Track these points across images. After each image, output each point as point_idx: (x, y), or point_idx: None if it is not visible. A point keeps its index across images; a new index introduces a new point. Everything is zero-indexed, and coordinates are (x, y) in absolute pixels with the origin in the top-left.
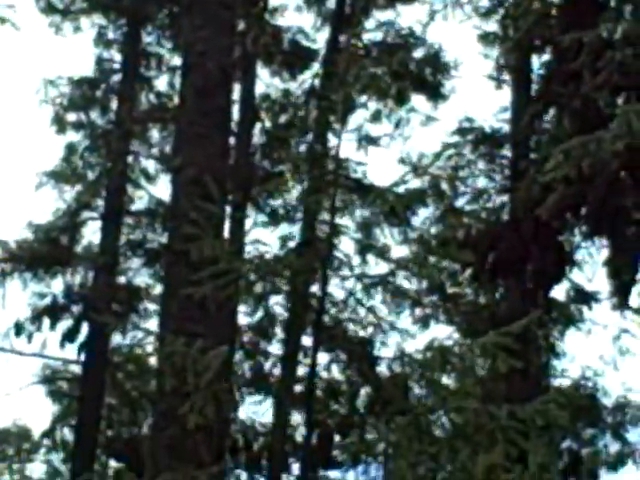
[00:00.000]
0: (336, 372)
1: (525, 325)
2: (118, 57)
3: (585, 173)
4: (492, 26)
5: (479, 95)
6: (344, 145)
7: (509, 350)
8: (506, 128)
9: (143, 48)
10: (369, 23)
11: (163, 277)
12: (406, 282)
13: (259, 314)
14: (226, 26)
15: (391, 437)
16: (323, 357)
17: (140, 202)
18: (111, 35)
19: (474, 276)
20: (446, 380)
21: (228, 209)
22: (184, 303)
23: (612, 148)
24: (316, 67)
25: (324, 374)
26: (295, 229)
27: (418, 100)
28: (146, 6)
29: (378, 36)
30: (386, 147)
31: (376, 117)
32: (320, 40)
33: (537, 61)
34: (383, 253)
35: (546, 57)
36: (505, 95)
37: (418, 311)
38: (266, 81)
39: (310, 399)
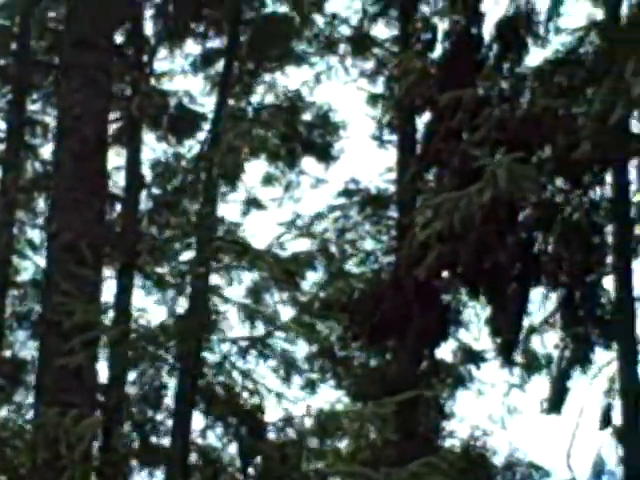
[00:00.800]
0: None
1: (404, 398)
2: (2, 125)
3: (456, 229)
4: (378, 87)
5: (367, 157)
6: (233, 210)
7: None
8: (392, 189)
9: (28, 116)
10: (257, 87)
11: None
12: (289, 346)
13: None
14: (102, 90)
15: None
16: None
17: (25, 273)
18: None
19: (355, 337)
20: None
21: (111, 276)
22: (59, 373)
23: (478, 201)
24: (204, 131)
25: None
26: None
27: (308, 162)
28: (31, 73)
29: (266, 99)
30: (275, 210)
31: (266, 181)
32: (208, 104)
33: (420, 121)
34: (272, 319)
35: (428, 116)
36: (391, 156)
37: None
38: (152, 146)
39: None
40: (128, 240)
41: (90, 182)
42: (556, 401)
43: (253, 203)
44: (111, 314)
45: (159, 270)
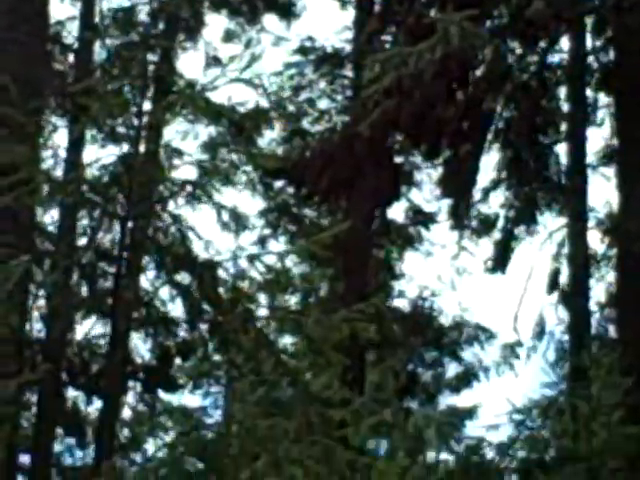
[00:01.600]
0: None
1: (334, 234)
2: None
3: (404, 85)
4: None
5: (325, 15)
6: (191, 65)
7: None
8: (348, 48)
9: None
10: None
11: None
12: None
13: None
14: None
15: (235, 359)
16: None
17: None
18: None
19: (308, 196)
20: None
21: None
22: None
23: (429, 58)
24: None
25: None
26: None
27: (269, 19)
28: None
29: None
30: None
31: (227, 37)
32: None
33: None
34: (227, 176)
35: None
36: (349, 15)
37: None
38: None
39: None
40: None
41: (30, 22)
42: (500, 260)
43: (213, 58)
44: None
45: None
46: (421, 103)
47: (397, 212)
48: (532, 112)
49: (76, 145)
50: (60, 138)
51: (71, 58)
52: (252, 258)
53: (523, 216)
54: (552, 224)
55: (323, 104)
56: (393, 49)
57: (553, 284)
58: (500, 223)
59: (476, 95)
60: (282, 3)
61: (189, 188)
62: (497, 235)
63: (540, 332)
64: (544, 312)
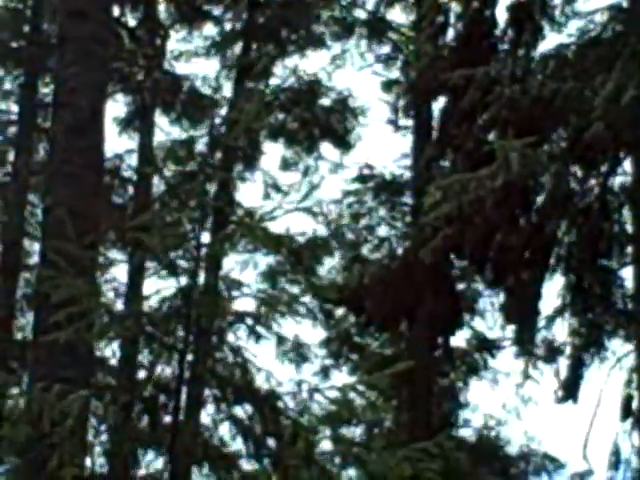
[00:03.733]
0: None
1: (404, 370)
2: (15, 108)
3: (465, 212)
4: (394, 73)
5: (382, 142)
6: (250, 194)
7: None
8: (407, 175)
9: (40, 98)
10: (276, 69)
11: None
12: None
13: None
14: (98, 62)
15: None
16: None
17: (37, 256)
18: (8, 86)
19: (368, 324)
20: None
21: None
22: (51, 348)
23: (490, 185)
24: (219, 115)
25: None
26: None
27: (325, 148)
28: (43, 56)
29: (285, 82)
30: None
31: (285, 165)
32: (224, 87)
33: (436, 106)
34: (288, 306)
35: (442, 101)
36: (407, 141)
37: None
38: (166, 129)
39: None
40: (139, 222)
41: (84, 155)
42: (570, 389)
43: (272, 187)
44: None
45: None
46: (483, 230)
47: (460, 340)
48: (594, 237)
49: (135, 278)
50: (120, 272)
51: (130, 190)
52: (313, 391)
53: (590, 343)
54: (620, 349)
55: (383, 231)
56: (453, 176)
57: (626, 411)
58: (567, 350)
59: (538, 221)
60: (338, 132)
61: (249, 320)
62: (564, 363)
63: (616, 461)
64: (618, 440)
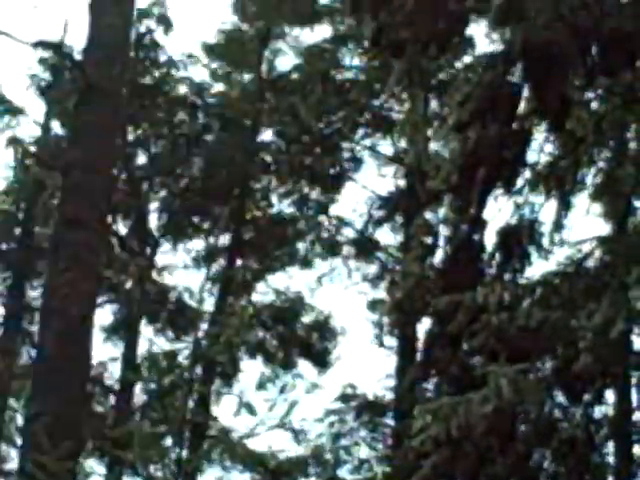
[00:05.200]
0: None
1: None
2: (1, 310)
3: (453, 436)
4: (380, 293)
5: (366, 362)
6: (226, 409)
7: None
8: (390, 396)
9: (27, 302)
10: (260, 286)
11: None
12: None
13: None
14: (91, 270)
15: None
16: None
17: (13, 462)
18: None
19: None
20: None
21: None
22: None
23: (480, 410)
24: (202, 329)
25: None
26: None
27: (303, 366)
28: (33, 259)
29: (267, 299)
30: (269, 413)
31: (261, 385)
32: (208, 300)
33: (421, 327)
34: None
35: (427, 322)
36: (391, 362)
37: None
38: (150, 338)
39: None
40: (121, 432)
41: (73, 363)
42: None
43: (245, 406)
44: None
45: (149, 466)
46: (474, 458)
47: None
48: (579, 467)
49: None
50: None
51: (112, 399)
52: None
53: None
54: None
55: (363, 452)
56: (442, 399)
57: None
58: None
59: (524, 450)
60: (318, 351)
61: None
62: None
63: None
64: None
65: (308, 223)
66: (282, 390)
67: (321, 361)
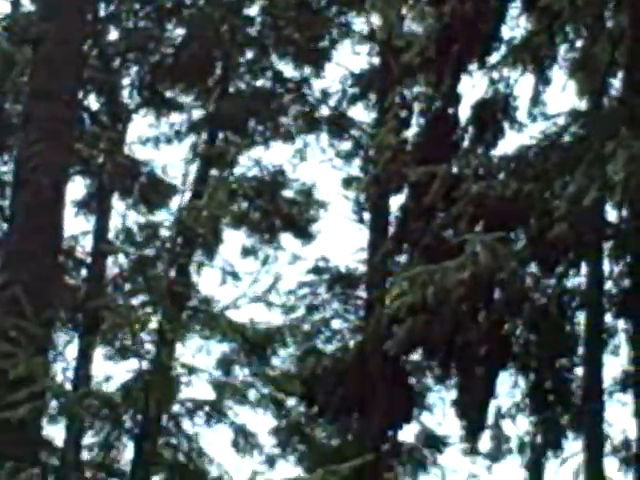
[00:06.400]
0: None
1: (355, 467)
2: None
3: (429, 303)
4: (354, 169)
5: (340, 236)
6: (208, 280)
7: None
8: (362, 268)
9: None
10: (241, 158)
11: None
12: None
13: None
14: (62, 142)
15: None
16: None
17: None
18: None
19: (320, 414)
20: None
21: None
22: (1, 426)
23: (457, 277)
24: (176, 202)
25: None
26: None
27: (286, 238)
28: (4, 135)
29: (250, 172)
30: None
31: (245, 252)
32: (180, 175)
33: (395, 201)
34: (243, 395)
35: (402, 197)
36: (364, 236)
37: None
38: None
39: None
40: (92, 305)
41: (44, 234)
42: None
43: (230, 274)
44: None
45: (123, 338)
46: (450, 323)
47: (408, 435)
48: (551, 336)
49: (85, 360)
50: (68, 352)
51: (83, 272)
52: None
53: (549, 443)
54: (570, 447)
55: (336, 324)
56: (417, 267)
57: None
58: (524, 448)
59: (497, 318)
60: (300, 223)
61: (206, 407)
62: (513, 459)
63: None
64: None
65: (291, 97)
66: (265, 262)
67: (303, 233)
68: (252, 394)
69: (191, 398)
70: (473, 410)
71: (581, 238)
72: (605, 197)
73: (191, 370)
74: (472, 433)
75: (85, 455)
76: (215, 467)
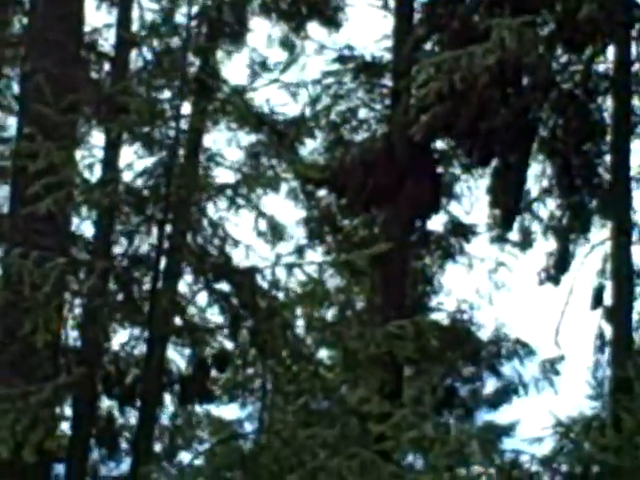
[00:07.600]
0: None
1: (381, 252)
2: None
3: (457, 88)
4: None
5: (364, 23)
6: (235, 71)
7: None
8: (387, 56)
9: None
10: None
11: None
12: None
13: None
14: None
15: (269, 372)
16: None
17: (13, 129)
18: None
19: (349, 205)
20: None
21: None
22: (29, 218)
23: (484, 62)
24: None
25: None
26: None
27: (313, 28)
28: None
29: None
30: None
31: (271, 43)
32: None
33: None
34: (269, 183)
35: None
36: (389, 23)
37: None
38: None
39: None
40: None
41: (64, 23)
42: (558, 270)
43: (260, 65)
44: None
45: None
46: (477, 109)
47: (436, 224)
48: (578, 121)
49: (112, 148)
50: (96, 142)
51: (107, 67)
52: (291, 267)
53: (575, 225)
54: (595, 237)
55: (362, 113)
56: (444, 53)
57: (597, 300)
58: (550, 235)
59: (523, 103)
60: (326, 11)
61: (229, 192)
62: (542, 248)
63: (602, 344)
64: (602, 325)
65: None
66: (292, 50)
67: (330, 21)
68: (281, 184)
69: (215, 183)
70: (508, 195)
71: (611, 19)
72: None
73: (216, 157)
74: (507, 219)
75: (115, 246)
76: (243, 253)
